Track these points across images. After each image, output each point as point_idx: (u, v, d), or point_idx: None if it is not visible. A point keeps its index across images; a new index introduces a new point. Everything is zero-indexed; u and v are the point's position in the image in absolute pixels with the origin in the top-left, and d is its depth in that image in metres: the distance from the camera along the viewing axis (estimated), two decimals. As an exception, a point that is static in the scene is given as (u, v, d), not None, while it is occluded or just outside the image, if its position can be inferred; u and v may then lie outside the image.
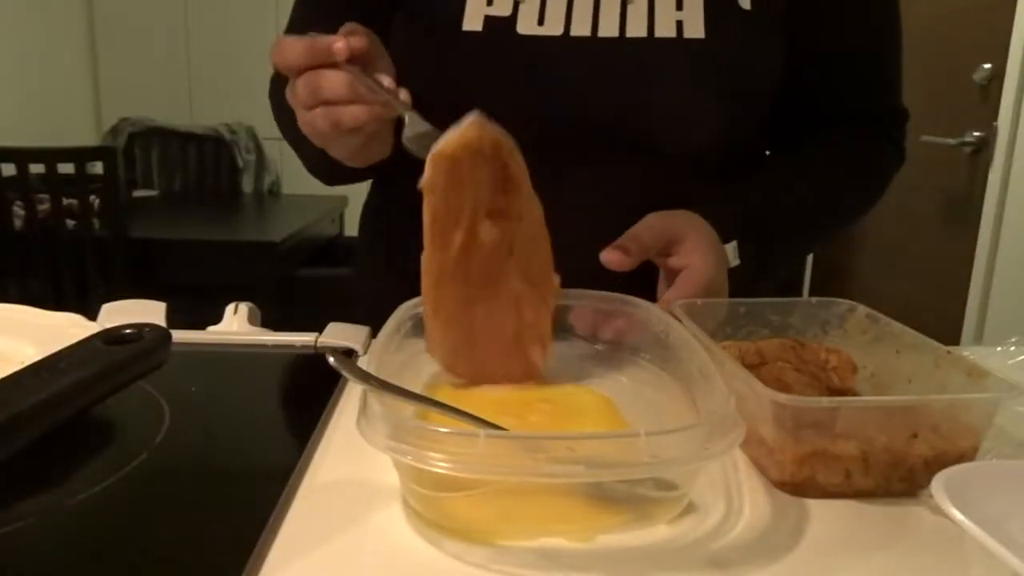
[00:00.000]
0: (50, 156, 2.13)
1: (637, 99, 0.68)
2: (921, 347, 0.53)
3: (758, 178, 0.74)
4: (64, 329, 0.56)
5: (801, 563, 0.40)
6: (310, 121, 0.57)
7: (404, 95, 0.56)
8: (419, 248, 0.53)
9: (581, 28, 0.66)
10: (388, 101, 0.55)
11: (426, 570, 0.38)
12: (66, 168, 2.15)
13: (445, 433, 0.38)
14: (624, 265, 0.60)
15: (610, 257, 0.60)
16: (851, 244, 2.68)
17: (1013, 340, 0.62)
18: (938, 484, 0.37)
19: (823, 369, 0.57)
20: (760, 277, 0.70)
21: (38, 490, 0.43)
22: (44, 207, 2.20)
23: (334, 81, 0.54)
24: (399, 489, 0.43)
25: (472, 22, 0.66)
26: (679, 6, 0.66)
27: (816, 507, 0.45)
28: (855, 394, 0.55)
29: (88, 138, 3.37)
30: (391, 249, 0.81)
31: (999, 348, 0.61)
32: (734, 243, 0.66)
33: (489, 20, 0.66)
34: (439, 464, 0.37)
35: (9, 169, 2.14)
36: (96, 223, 2.25)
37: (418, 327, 0.56)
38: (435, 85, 0.60)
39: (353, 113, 0.54)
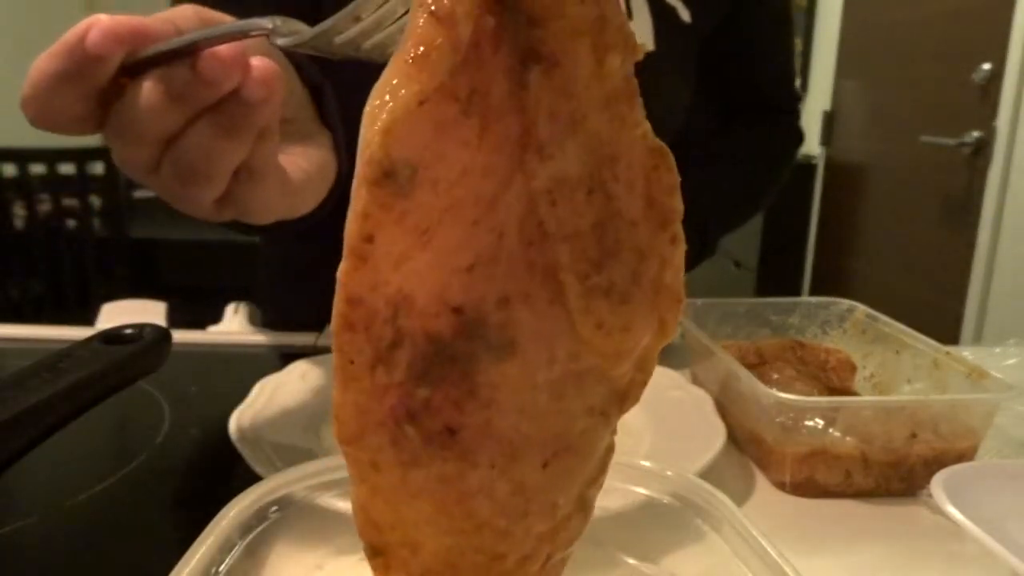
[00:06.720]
0: (50, 156, 2.14)
1: None
2: (921, 347, 0.53)
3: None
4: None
5: (800, 562, 0.40)
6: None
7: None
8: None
9: None
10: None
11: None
12: (66, 168, 2.15)
13: None
14: None
15: None
16: (851, 244, 2.68)
17: (1012, 340, 0.63)
18: (937, 484, 0.37)
19: (823, 369, 0.57)
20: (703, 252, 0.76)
21: (38, 490, 0.43)
22: (44, 207, 2.20)
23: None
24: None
25: None
26: (629, 16, 0.68)
27: (816, 507, 0.45)
28: (855, 394, 0.55)
29: (88, 138, 3.36)
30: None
31: (998, 348, 0.61)
32: None
33: None
34: None
35: (9, 169, 2.15)
36: (96, 223, 2.25)
37: None
38: None
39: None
